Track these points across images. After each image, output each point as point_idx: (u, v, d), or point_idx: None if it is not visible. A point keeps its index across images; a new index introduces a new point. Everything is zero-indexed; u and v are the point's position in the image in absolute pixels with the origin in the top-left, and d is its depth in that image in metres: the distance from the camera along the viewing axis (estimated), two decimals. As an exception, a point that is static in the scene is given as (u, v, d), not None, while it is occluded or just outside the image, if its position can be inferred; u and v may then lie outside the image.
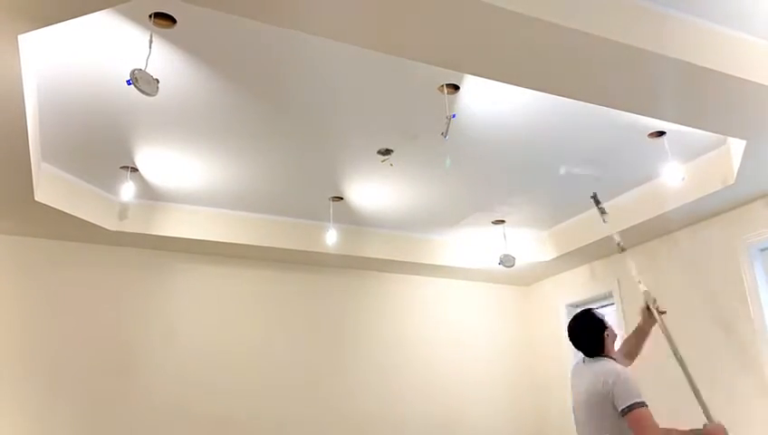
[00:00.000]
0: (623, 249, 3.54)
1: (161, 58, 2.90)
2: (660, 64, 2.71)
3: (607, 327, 2.97)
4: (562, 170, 3.46)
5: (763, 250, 4.24)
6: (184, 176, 4.24)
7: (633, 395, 2.68)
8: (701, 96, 3.00)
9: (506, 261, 5.10)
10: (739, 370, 4.19)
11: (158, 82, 2.61)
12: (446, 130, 3.15)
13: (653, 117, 3.23)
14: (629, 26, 2.60)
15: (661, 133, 3.75)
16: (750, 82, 2.86)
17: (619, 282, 5.28)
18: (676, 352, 3.05)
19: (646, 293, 3.25)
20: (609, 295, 5.46)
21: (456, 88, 3.23)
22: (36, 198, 3.85)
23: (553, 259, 5.51)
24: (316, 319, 5.36)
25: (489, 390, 5.85)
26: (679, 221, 4.58)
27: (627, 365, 3.09)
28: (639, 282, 3.33)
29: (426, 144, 3.83)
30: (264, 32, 2.72)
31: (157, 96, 2.68)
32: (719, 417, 2.84)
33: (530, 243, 5.58)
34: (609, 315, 5.54)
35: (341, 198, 4.65)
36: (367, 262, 5.41)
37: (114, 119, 3.47)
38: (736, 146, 3.69)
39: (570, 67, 2.74)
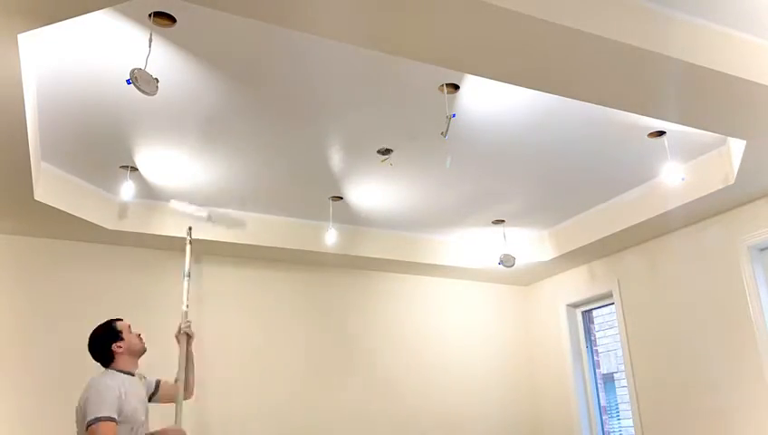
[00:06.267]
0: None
1: (161, 57, 2.89)
2: (660, 64, 2.71)
3: (121, 339, 2.87)
4: None
5: (762, 250, 4.24)
6: (184, 175, 4.24)
7: (102, 409, 2.57)
8: (701, 96, 3.00)
9: (506, 261, 5.10)
10: (739, 370, 4.19)
11: (157, 81, 2.60)
12: (446, 130, 3.15)
13: (653, 117, 3.23)
14: (630, 26, 2.60)
15: (661, 133, 3.75)
16: (750, 83, 2.86)
17: (618, 282, 5.28)
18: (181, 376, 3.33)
19: (185, 313, 3.48)
20: (608, 295, 5.47)
21: (456, 88, 3.23)
22: (36, 198, 3.84)
23: (553, 259, 5.51)
24: (316, 319, 5.36)
25: (488, 389, 5.85)
26: (679, 221, 4.58)
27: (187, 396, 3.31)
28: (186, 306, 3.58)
29: (426, 144, 3.83)
30: (265, 31, 2.72)
31: (156, 95, 2.68)
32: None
33: (530, 243, 5.58)
34: (608, 315, 5.62)
35: (341, 198, 4.65)
36: (367, 262, 5.41)
37: (114, 118, 3.47)
38: (736, 146, 3.69)
39: (570, 67, 2.74)
